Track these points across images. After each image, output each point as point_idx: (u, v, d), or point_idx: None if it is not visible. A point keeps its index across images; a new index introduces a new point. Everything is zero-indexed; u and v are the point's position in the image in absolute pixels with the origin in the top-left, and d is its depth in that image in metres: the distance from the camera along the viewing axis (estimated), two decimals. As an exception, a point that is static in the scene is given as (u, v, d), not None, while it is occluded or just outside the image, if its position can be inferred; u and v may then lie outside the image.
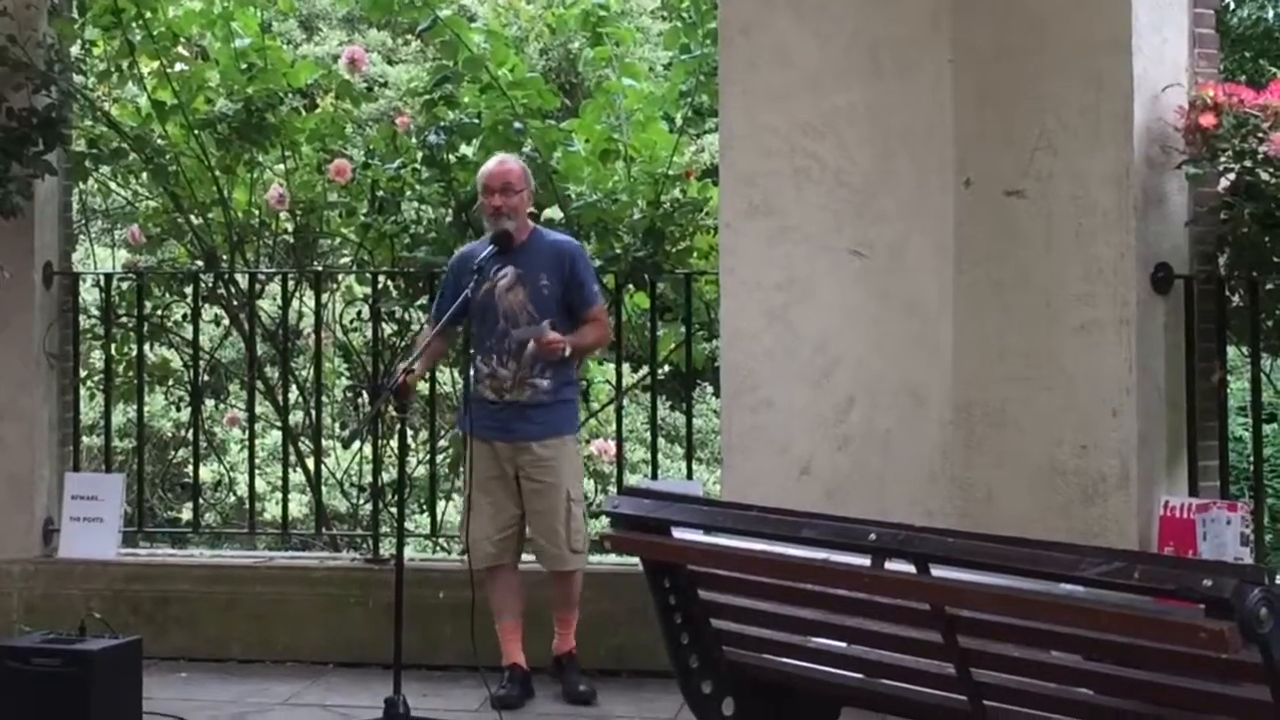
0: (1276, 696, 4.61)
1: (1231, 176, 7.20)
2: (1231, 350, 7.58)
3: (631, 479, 10.29)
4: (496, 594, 7.92)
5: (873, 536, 5.44)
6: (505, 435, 7.84)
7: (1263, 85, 7.53)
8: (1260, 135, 7.10)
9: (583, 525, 7.90)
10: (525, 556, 8.05)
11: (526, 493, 7.82)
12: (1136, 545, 6.91)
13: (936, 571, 5.31)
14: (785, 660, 6.09)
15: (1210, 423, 7.33)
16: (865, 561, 5.46)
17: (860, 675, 5.92)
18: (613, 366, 9.22)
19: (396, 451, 8.47)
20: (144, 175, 9.89)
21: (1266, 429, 10.86)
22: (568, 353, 7.75)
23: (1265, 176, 7.08)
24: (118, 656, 7.01)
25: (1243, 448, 8.60)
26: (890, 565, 5.41)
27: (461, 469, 8.45)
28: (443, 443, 9.38)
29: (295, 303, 9.49)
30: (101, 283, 9.63)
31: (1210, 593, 4.58)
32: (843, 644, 5.93)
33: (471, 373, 8.05)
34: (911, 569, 5.35)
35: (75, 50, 9.64)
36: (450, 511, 9.92)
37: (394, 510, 8.34)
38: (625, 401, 9.91)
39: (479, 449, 7.91)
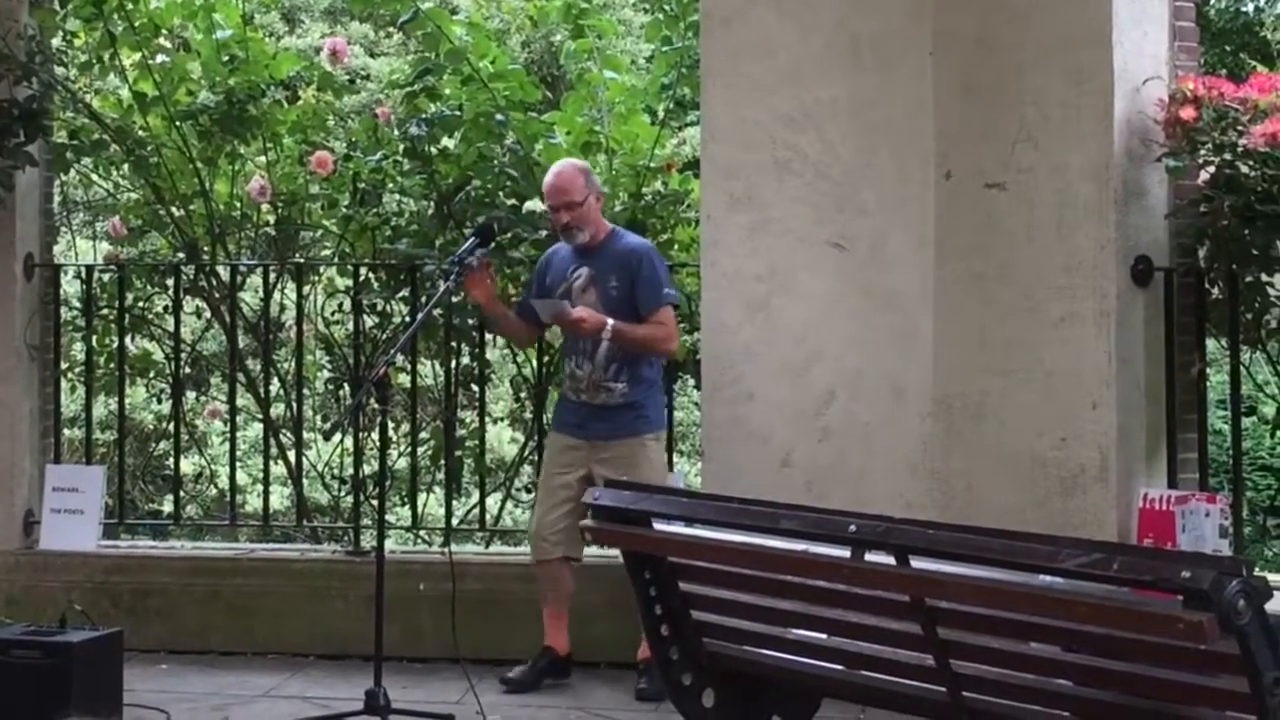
0: (1254, 687, 4.62)
1: (1211, 169, 7.22)
2: (1211, 343, 7.60)
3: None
4: (547, 584, 8.00)
5: (852, 528, 5.44)
6: (582, 432, 7.89)
7: (1243, 79, 7.55)
8: (1240, 128, 7.12)
9: None
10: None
11: None
12: (1116, 537, 6.94)
13: (916, 563, 5.31)
14: (765, 652, 6.10)
15: (1190, 415, 7.35)
16: (845, 553, 5.46)
17: (840, 666, 5.92)
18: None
19: (378, 444, 8.47)
20: (125, 167, 9.86)
21: (1246, 422, 10.87)
22: (607, 334, 7.68)
23: (1245, 169, 7.10)
24: (98, 648, 7.01)
25: (1222, 440, 8.61)
26: (870, 557, 5.41)
27: (442, 462, 8.43)
28: (424, 435, 9.38)
29: (277, 295, 9.49)
30: (83, 274, 9.61)
31: (1188, 584, 4.59)
32: (823, 635, 5.93)
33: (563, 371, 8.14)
34: (891, 561, 5.35)
35: (56, 41, 9.62)
36: (432, 504, 9.92)
37: (375, 503, 8.33)
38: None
39: (556, 443, 8.00)
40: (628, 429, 7.84)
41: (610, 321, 7.69)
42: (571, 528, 7.86)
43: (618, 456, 7.79)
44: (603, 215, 8.12)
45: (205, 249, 9.59)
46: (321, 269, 9.67)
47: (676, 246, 9.12)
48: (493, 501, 9.62)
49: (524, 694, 7.75)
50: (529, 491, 9.48)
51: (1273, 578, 6.73)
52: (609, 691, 7.83)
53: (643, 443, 7.88)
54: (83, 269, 9.69)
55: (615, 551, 6.67)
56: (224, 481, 9.79)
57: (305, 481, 9.62)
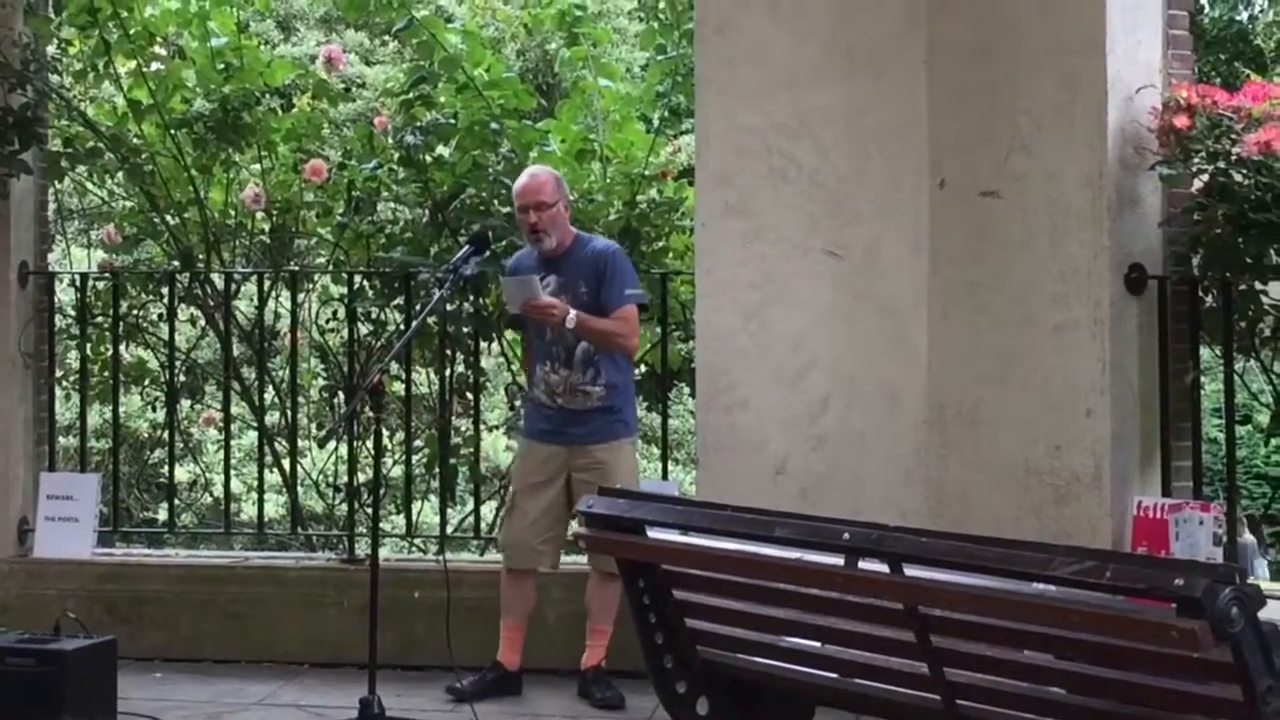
0: (1247, 695, 4.63)
1: (1205, 178, 7.22)
2: (1205, 351, 7.60)
3: (608, 479, 10.28)
4: (513, 594, 7.93)
5: (846, 536, 5.46)
6: (559, 438, 7.85)
7: (1236, 87, 7.56)
8: (1234, 137, 7.12)
9: None
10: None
11: (579, 494, 7.81)
12: (1110, 545, 6.93)
13: (910, 571, 5.32)
14: (759, 660, 6.10)
15: (1184, 423, 7.35)
16: (839, 561, 5.47)
17: (834, 675, 5.93)
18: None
19: (372, 452, 8.47)
20: (120, 175, 9.87)
21: (1240, 430, 10.88)
22: (570, 323, 7.68)
23: (1239, 178, 7.10)
24: (92, 656, 7.01)
25: (1216, 449, 8.62)
26: (864, 565, 5.42)
27: (436, 470, 8.43)
28: (418, 443, 9.38)
29: (271, 303, 9.49)
30: (77, 282, 9.60)
31: (1181, 592, 4.60)
32: (817, 643, 5.94)
33: (528, 377, 8.11)
34: (885, 568, 5.36)
35: (51, 49, 9.61)
36: (427, 512, 9.92)
37: (369, 510, 8.33)
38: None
39: (531, 450, 7.95)
40: (606, 433, 7.85)
41: (573, 311, 7.69)
42: (554, 538, 7.89)
43: (596, 461, 7.79)
44: (596, 225, 8.11)
45: (200, 257, 9.59)
46: (316, 277, 9.68)
47: (671, 254, 9.14)
48: (487, 509, 9.61)
49: (476, 702, 7.64)
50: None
51: (1266, 586, 6.73)
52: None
53: (620, 446, 7.91)
54: (77, 277, 9.67)
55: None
56: (219, 489, 9.79)
57: (300, 489, 9.62)
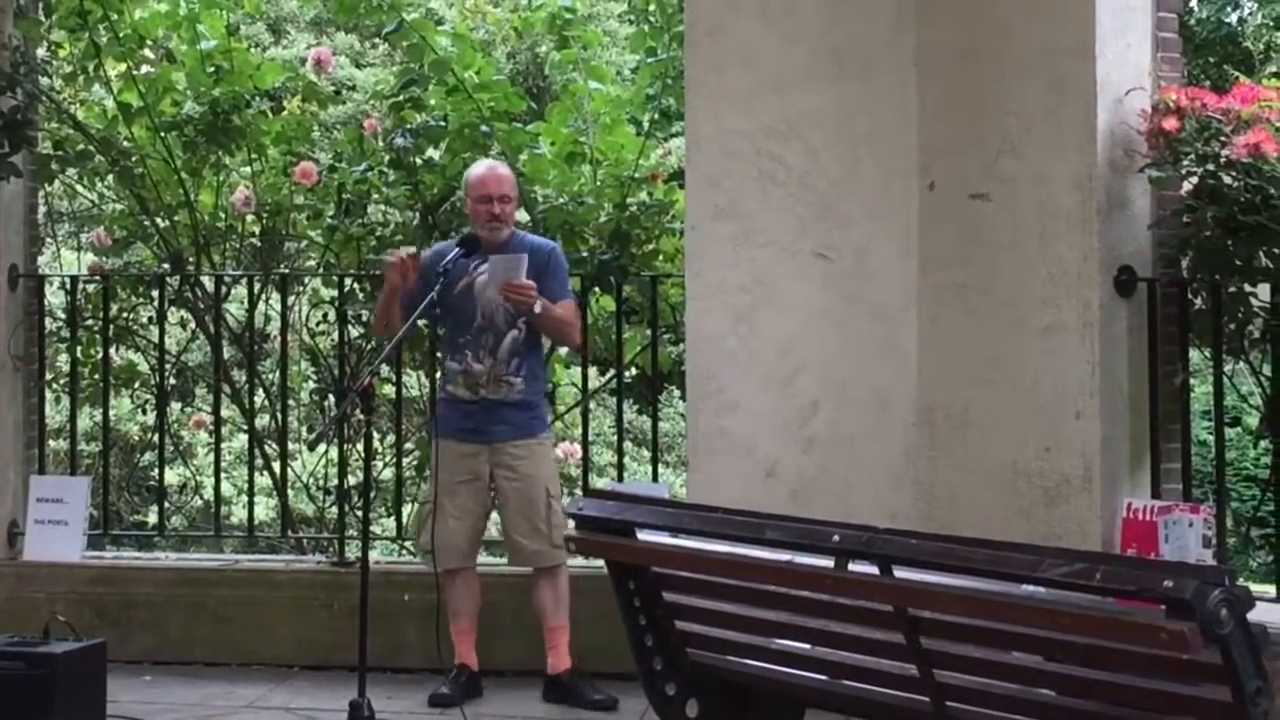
0: (1236, 697, 4.63)
1: (1194, 180, 7.22)
2: (1194, 353, 7.61)
3: (598, 482, 10.31)
4: (459, 596, 7.91)
5: (836, 538, 5.46)
6: (482, 436, 7.83)
7: (1226, 89, 7.56)
8: (1223, 139, 7.12)
9: (562, 521, 7.88)
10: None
11: (505, 493, 7.82)
12: (1099, 547, 6.94)
13: (899, 573, 5.33)
14: (749, 662, 6.11)
15: (1173, 425, 7.35)
16: (829, 563, 5.48)
17: (824, 677, 5.94)
18: (579, 370, 9.22)
19: (362, 454, 8.47)
20: (110, 178, 9.86)
21: (1230, 432, 10.88)
22: (537, 309, 7.68)
23: (1228, 180, 7.10)
24: (82, 659, 6.99)
25: (1206, 451, 8.63)
26: (853, 567, 5.43)
27: (427, 471, 8.43)
28: (409, 446, 9.38)
29: (261, 305, 9.49)
30: (67, 285, 9.61)
31: (1171, 593, 4.61)
32: (806, 645, 5.94)
33: (441, 374, 8.06)
34: (874, 570, 5.37)
35: (41, 52, 9.63)
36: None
37: (360, 513, 8.33)
38: (592, 405, 9.92)
39: (452, 450, 7.87)
40: (526, 430, 7.86)
41: (541, 298, 7.70)
42: (477, 536, 7.90)
43: (518, 458, 7.82)
44: (586, 228, 8.12)
45: (190, 260, 9.58)
46: (306, 279, 9.68)
47: (661, 257, 9.13)
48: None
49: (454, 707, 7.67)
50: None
51: (1256, 588, 6.74)
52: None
53: (541, 443, 7.94)
54: (67, 280, 9.68)
55: (599, 562, 6.67)
56: (209, 492, 9.79)
57: (290, 492, 9.62)
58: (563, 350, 9.13)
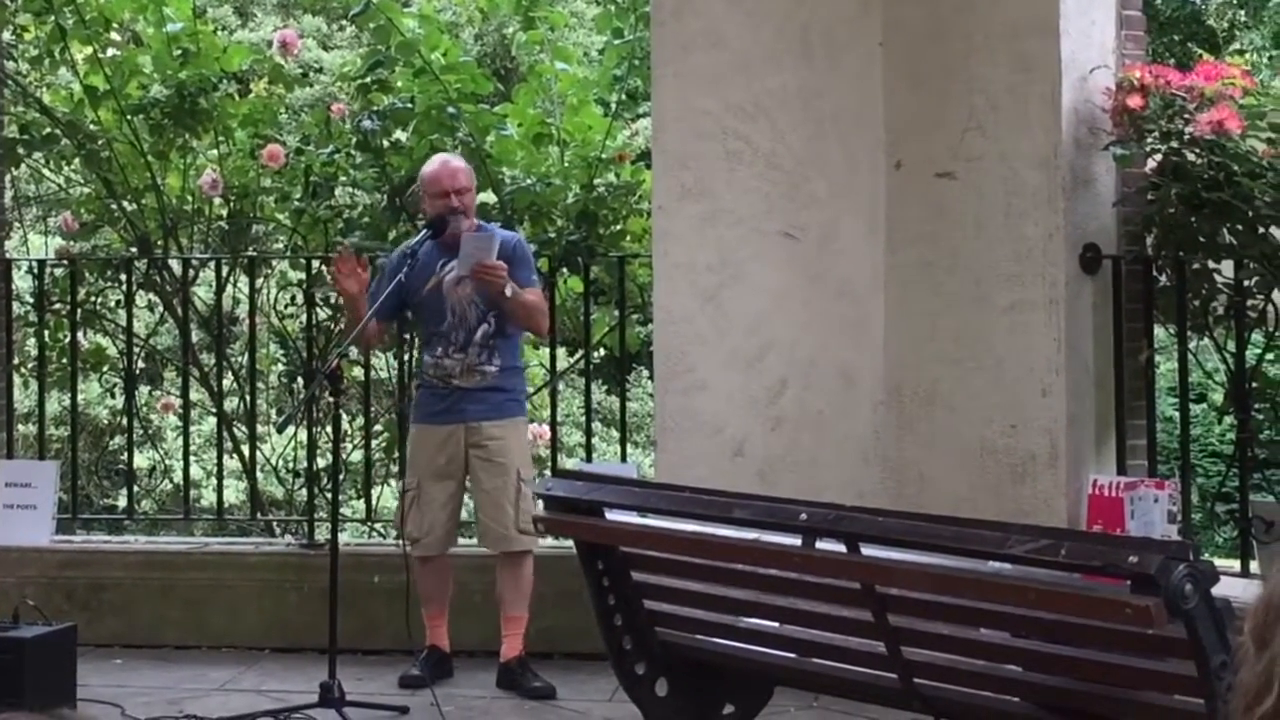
0: (1201, 671, 4.66)
1: (1158, 157, 7.27)
2: (1159, 330, 7.65)
3: (567, 463, 10.31)
4: (431, 581, 7.91)
5: (803, 516, 5.48)
6: (457, 417, 7.81)
7: (1190, 67, 7.60)
8: (1186, 116, 7.16)
9: (531, 507, 7.89)
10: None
11: (477, 472, 7.81)
12: (1066, 523, 6.98)
13: (867, 551, 5.35)
14: (718, 640, 6.13)
15: (1138, 402, 7.40)
16: (796, 541, 5.50)
17: (793, 655, 5.96)
18: (547, 350, 9.23)
19: (331, 436, 8.47)
20: (77, 161, 9.83)
21: (1195, 409, 10.93)
22: (508, 291, 7.66)
23: (1191, 157, 7.15)
24: (52, 643, 7.00)
25: (1171, 427, 8.67)
26: (821, 545, 5.45)
27: (396, 455, 8.44)
28: (378, 428, 9.39)
29: (229, 288, 9.48)
30: (35, 270, 9.59)
31: (1135, 569, 4.63)
32: (775, 624, 5.97)
33: (417, 364, 8.07)
34: (842, 548, 5.39)
35: (6, 35, 9.59)
36: (387, 496, 9.92)
37: (329, 495, 8.34)
38: (560, 385, 9.93)
39: (428, 436, 7.87)
40: (501, 410, 7.84)
41: (511, 281, 7.68)
42: (455, 519, 7.91)
43: (493, 437, 7.80)
44: (554, 208, 8.11)
45: (157, 243, 9.56)
46: (274, 262, 9.67)
47: (629, 237, 9.14)
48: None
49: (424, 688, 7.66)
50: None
51: (1221, 563, 6.78)
52: (566, 683, 7.83)
53: (516, 424, 7.93)
54: (35, 264, 9.66)
55: (568, 542, 6.68)
56: (178, 476, 9.78)
57: (260, 475, 9.61)
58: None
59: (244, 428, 9.63)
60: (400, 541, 8.04)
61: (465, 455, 7.82)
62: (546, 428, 9.34)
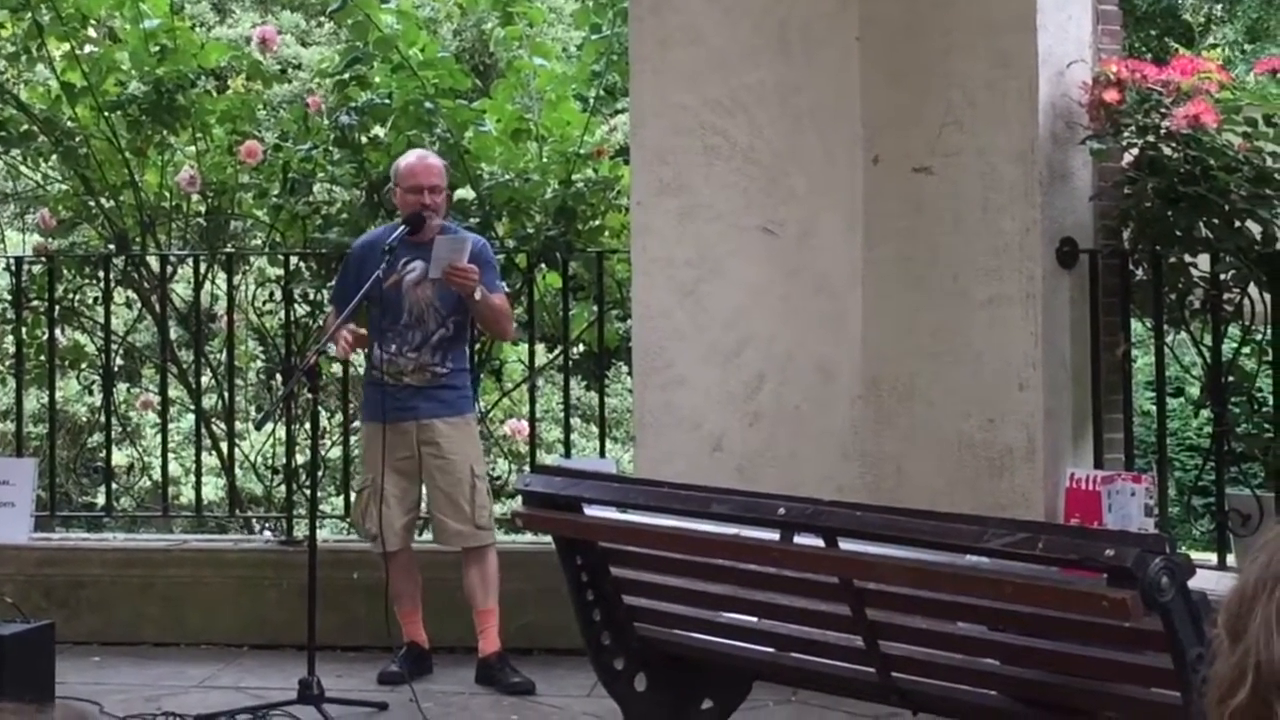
0: (1177, 663, 4.68)
1: (1135, 152, 7.28)
2: (1136, 324, 7.67)
3: (546, 459, 10.31)
4: (399, 576, 7.90)
5: (781, 511, 5.49)
6: (409, 414, 7.79)
7: (1166, 62, 7.61)
8: (1163, 110, 7.18)
9: (488, 502, 7.89)
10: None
11: (430, 470, 7.81)
12: (1043, 517, 6.99)
13: (845, 545, 5.36)
14: (697, 635, 6.13)
15: (1115, 396, 7.42)
16: (775, 536, 5.51)
17: (771, 649, 5.97)
18: (526, 346, 9.23)
19: (310, 433, 8.48)
20: (54, 158, 9.82)
21: (1172, 403, 10.95)
22: (477, 295, 7.64)
23: (1168, 151, 7.16)
24: (29, 641, 6.98)
25: (1149, 421, 8.69)
26: (799, 539, 5.46)
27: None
28: (356, 424, 9.37)
29: (208, 285, 9.47)
30: (12, 267, 9.57)
31: (1112, 562, 4.65)
32: (753, 618, 5.98)
33: (366, 360, 8.04)
34: (820, 543, 5.40)
35: (-17, 32, 9.59)
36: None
37: (308, 492, 8.34)
38: (539, 381, 9.93)
39: (379, 433, 7.78)
40: (452, 408, 7.86)
41: (481, 285, 7.66)
42: (413, 516, 7.93)
43: (444, 434, 7.81)
44: (532, 204, 8.11)
45: (135, 240, 9.56)
46: (252, 259, 9.66)
47: (607, 233, 9.14)
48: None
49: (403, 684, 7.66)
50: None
51: (1198, 556, 6.80)
52: (545, 678, 7.84)
53: (467, 421, 7.96)
54: (12, 261, 9.63)
55: (546, 538, 6.69)
56: (157, 473, 9.76)
57: (238, 472, 9.60)
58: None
59: (222, 425, 9.62)
60: (375, 541, 8.03)
61: (418, 452, 7.81)
62: (525, 423, 9.34)
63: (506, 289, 8.18)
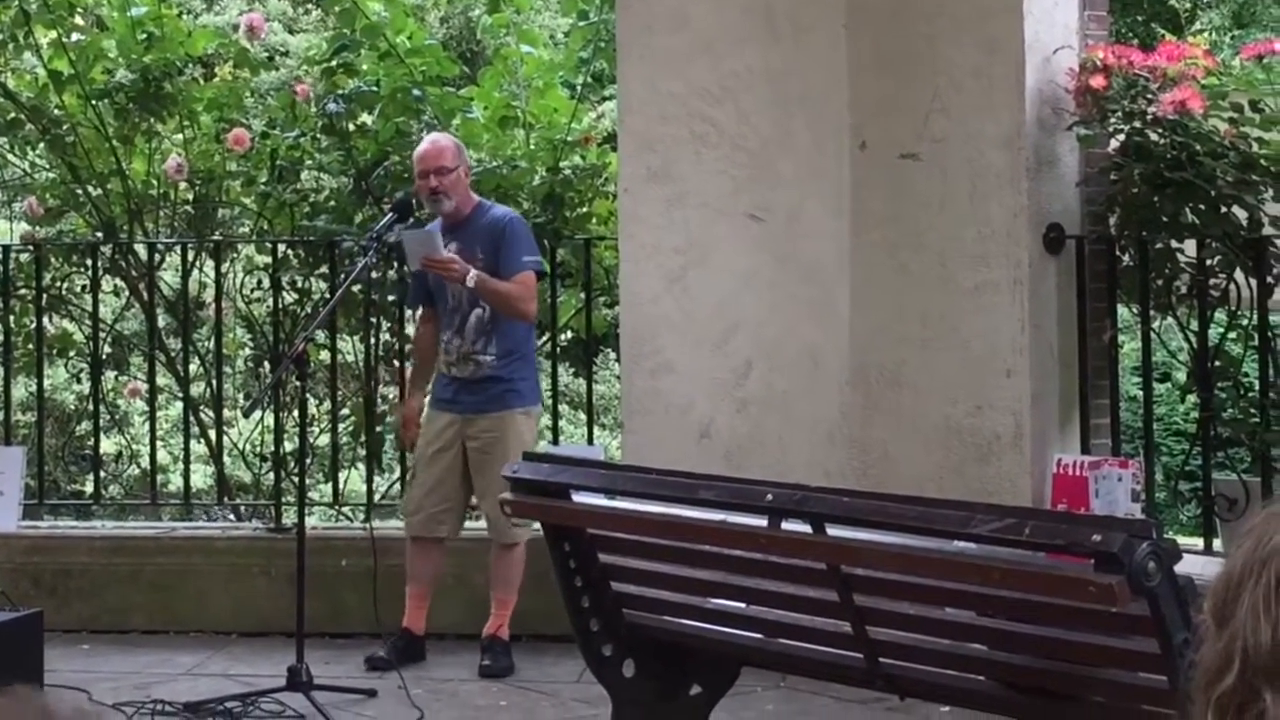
0: (1165, 649, 4.68)
1: (1121, 137, 7.30)
2: (1122, 310, 7.68)
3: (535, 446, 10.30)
4: (416, 562, 7.92)
5: (769, 497, 5.48)
6: (454, 406, 7.86)
7: (1153, 47, 7.62)
8: (1149, 96, 7.19)
9: None
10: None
11: (474, 464, 7.82)
12: (1030, 503, 7.01)
13: (832, 531, 5.35)
14: (685, 621, 6.13)
15: (1102, 381, 7.43)
16: (762, 522, 5.50)
17: (759, 635, 5.97)
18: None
19: (298, 421, 8.48)
20: (41, 146, 9.82)
21: (1158, 388, 10.97)
22: (470, 282, 7.65)
23: (1154, 137, 7.18)
24: (18, 629, 6.98)
25: (1135, 406, 8.72)
26: (787, 525, 5.46)
27: (363, 439, 8.45)
28: (344, 411, 9.38)
29: (195, 273, 9.46)
30: (0, 255, 9.57)
31: (1099, 547, 4.64)
32: (741, 604, 5.98)
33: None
34: (807, 529, 5.40)
35: (-31, 21, 9.57)
36: (354, 480, 9.92)
37: (296, 479, 8.34)
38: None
39: (432, 419, 7.96)
40: (496, 403, 7.82)
41: (473, 270, 7.64)
42: (453, 507, 7.90)
43: (485, 430, 7.80)
44: (520, 191, 8.10)
45: (123, 228, 9.55)
46: (240, 246, 9.66)
47: (595, 220, 9.15)
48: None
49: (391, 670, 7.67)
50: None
51: (1185, 541, 6.81)
52: (537, 664, 7.85)
53: (512, 417, 7.85)
54: (-1, 249, 9.65)
55: (535, 525, 6.69)
56: (145, 461, 9.76)
57: (227, 459, 9.60)
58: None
59: (210, 412, 9.63)
60: (366, 525, 8.05)
61: (463, 445, 7.84)
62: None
63: (541, 266, 8.07)
